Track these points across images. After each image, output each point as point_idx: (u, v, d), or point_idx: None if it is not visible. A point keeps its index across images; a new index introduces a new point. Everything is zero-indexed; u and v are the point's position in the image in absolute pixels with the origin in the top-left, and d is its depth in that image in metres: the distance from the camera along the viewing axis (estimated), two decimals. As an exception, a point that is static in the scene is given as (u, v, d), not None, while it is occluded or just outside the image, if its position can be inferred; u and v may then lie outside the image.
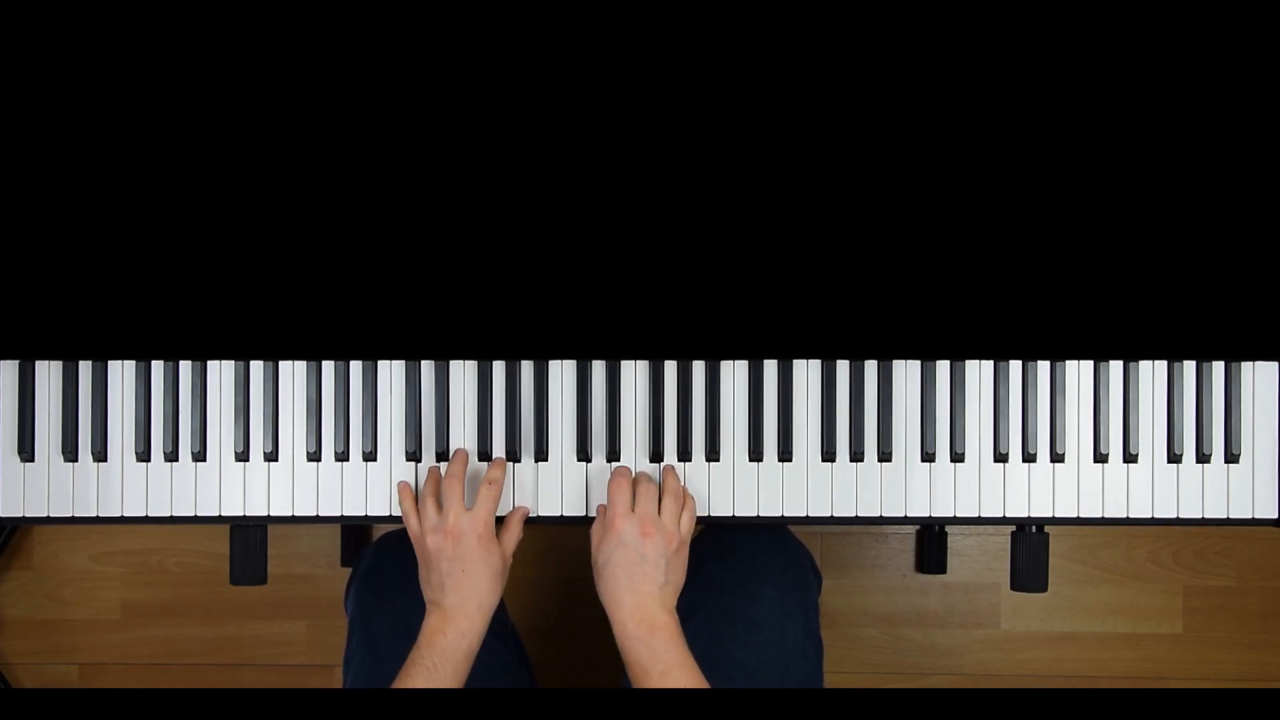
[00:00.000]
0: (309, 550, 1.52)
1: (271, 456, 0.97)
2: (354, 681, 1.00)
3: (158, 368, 0.97)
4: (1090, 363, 0.96)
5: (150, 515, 0.97)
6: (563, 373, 0.97)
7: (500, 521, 0.95)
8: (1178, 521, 0.96)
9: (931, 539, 1.48)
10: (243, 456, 0.97)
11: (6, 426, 0.97)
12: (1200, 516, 0.96)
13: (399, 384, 0.97)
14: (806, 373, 0.97)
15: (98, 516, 0.97)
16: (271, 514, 0.97)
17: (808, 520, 0.97)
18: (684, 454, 0.96)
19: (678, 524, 0.91)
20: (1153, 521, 0.96)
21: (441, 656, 0.87)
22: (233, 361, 0.97)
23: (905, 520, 0.97)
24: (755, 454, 0.96)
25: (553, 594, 1.46)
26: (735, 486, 0.96)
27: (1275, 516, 0.96)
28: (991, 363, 0.96)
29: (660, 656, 0.86)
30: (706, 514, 0.96)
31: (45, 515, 0.97)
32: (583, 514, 0.97)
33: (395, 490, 0.96)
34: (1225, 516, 0.96)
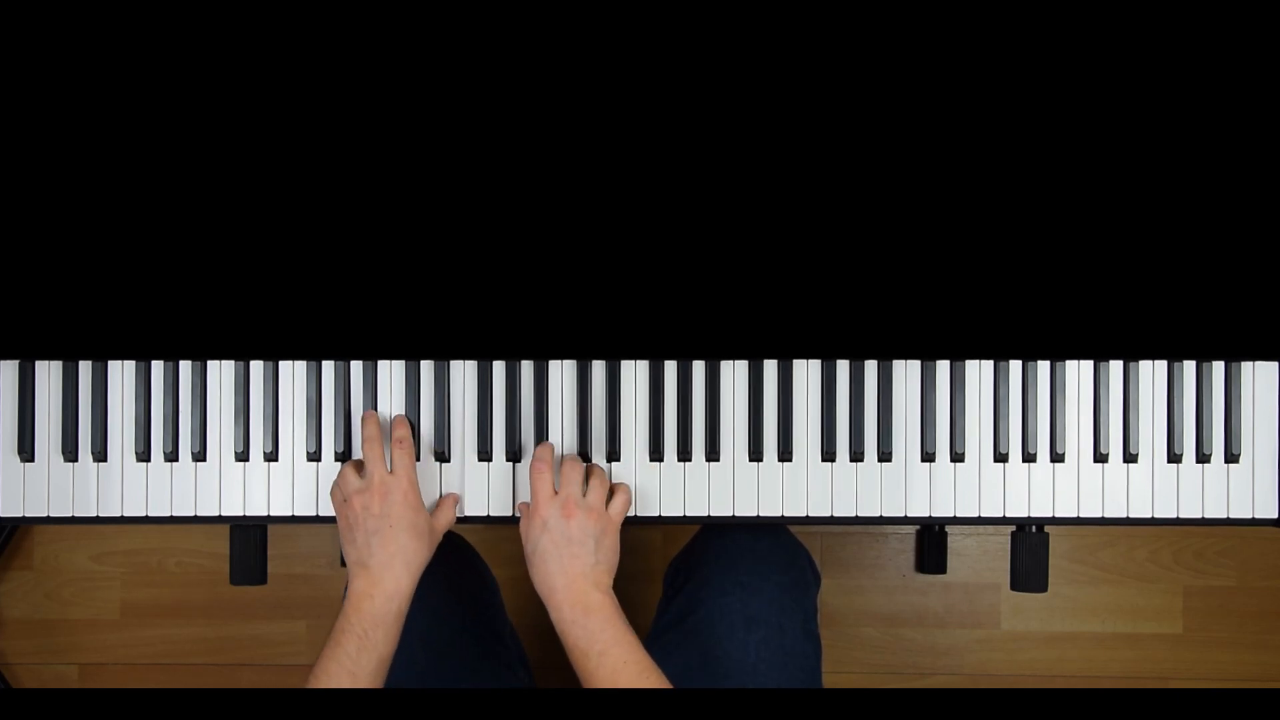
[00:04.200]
0: (309, 550, 1.52)
1: (271, 456, 0.97)
2: (354, 681, 0.99)
3: (158, 368, 0.97)
4: (1090, 363, 0.96)
5: (150, 515, 0.97)
6: (563, 373, 0.97)
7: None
8: (1178, 521, 0.96)
9: (931, 539, 1.48)
10: (243, 456, 0.97)
11: (6, 426, 0.97)
12: (1200, 516, 0.96)
13: (399, 384, 0.97)
14: (806, 373, 0.97)
15: (98, 516, 0.97)
16: (271, 514, 0.97)
17: (808, 520, 0.97)
18: (684, 454, 0.96)
19: (603, 504, 0.90)
20: (1153, 521, 0.96)
21: (373, 623, 0.85)
22: (233, 361, 0.97)
23: (905, 520, 0.97)
24: (755, 454, 0.96)
25: (553, 594, 1.46)
26: (735, 486, 0.96)
27: (1275, 516, 0.96)
28: (991, 363, 0.96)
29: (597, 637, 0.85)
30: (706, 514, 0.96)
31: (45, 515, 0.97)
32: (583, 514, 0.97)
33: None
34: (1225, 516, 0.96)
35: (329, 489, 0.96)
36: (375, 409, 0.96)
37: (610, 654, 0.85)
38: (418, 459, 0.96)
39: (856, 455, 0.96)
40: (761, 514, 0.96)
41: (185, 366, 0.97)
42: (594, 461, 0.96)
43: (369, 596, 0.86)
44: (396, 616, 0.87)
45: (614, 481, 0.96)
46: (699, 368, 0.97)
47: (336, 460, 0.97)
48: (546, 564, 0.88)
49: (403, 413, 0.96)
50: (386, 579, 0.87)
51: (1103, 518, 0.96)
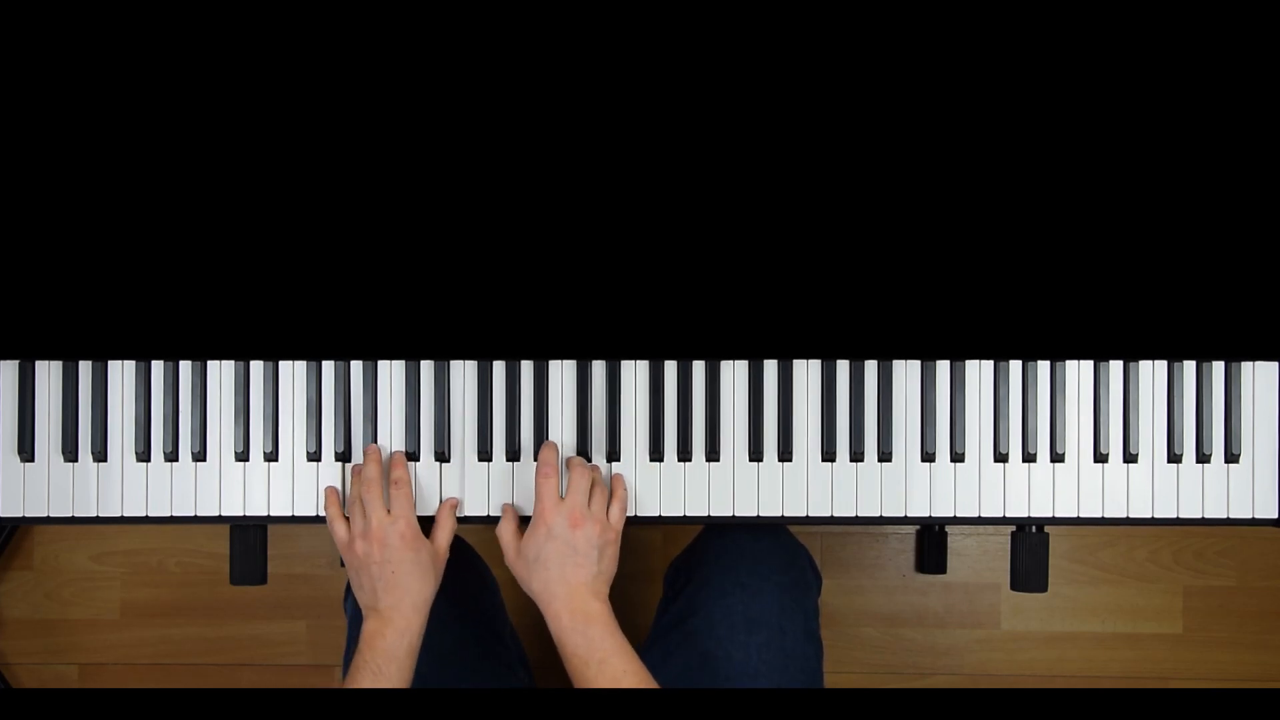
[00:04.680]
0: (309, 550, 1.52)
1: (271, 456, 0.97)
2: (354, 681, 1.00)
3: (158, 368, 0.97)
4: (1090, 363, 0.96)
5: (150, 515, 0.97)
6: (563, 373, 0.97)
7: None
8: (1178, 521, 0.96)
9: (931, 539, 1.48)
10: (243, 456, 0.97)
11: (6, 426, 0.97)
12: (1200, 516, 0.96)
13: (399, 384, 0.97)
14: (806, 373, 0.97)
15: (98, 516, 0.97)
16: (271, 514, 0.97)
17: (808, 520, 0.97)
18: (684, 454, 0.96)
19: (606, 513, 0.91)
20: (1153, 521, 0.96)
21: (385, 658, 0.87)
22: (233, 361, 0.97)
23: (905, 520, 0.97)
24: (755, 454, 0.96)
25: (553, 594, 1.46)
26: (735, 486, 0.96)
27: (1275, 516, 0.96)
28: (991, 363, 0.96)
29: (597, 645, 0.86)
30: (706, 514, 0.96)
31: (45, 515, 0.97)
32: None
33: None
34: (1225, 516, 0.96)
35: (326, 490, 0.96)
36: (375, 409, 0.96)
37: (610, 663, 0.85)
38: (417, 459, 0.96)
39: (856, 455, 0.96)
40: (761, 514, 0.96)
41: (185, 366, 0.97)
42: (594, 461, 0.96)
43: (381, 635, 0.88)
44: (409, 651, 0.88)
45: (614, 473, 0.96)
46: (699, 368, 0.97)
47: (337, 460, 0.97)
48: (548, 572, 0.88)
49: (403, 415, 0.96)
50: (396, 619, 0.88)
51: (1103, 518, 0.96)
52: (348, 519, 0.92)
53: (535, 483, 0.91)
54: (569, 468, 0.92)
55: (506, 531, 0.92)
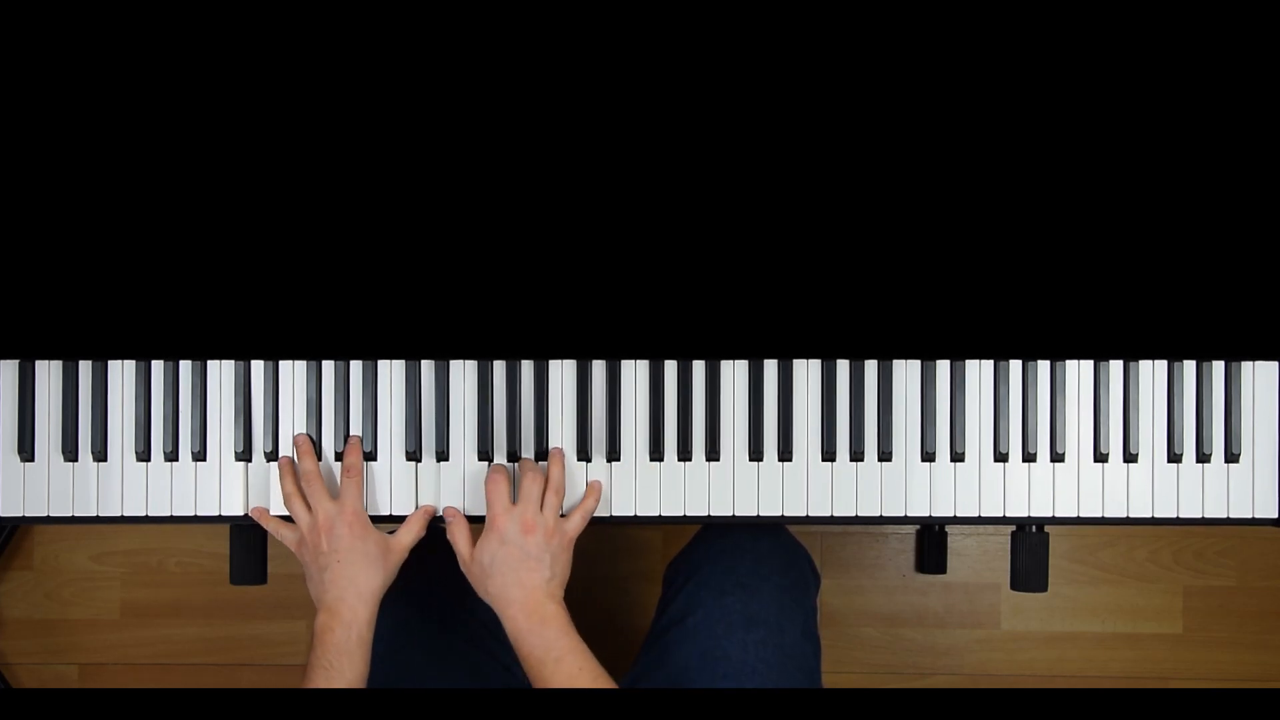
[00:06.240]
0: (309, 550, 1.52)
1: (271, 456, 0.97)
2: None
3: (158, 368, 0.97)
4: (1090, 362, 0.96)
5: (150, 515, 0.97)
6: (563, 373, 0.97)
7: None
8: (1178, 521, 0.96)
9: (931, 539, 1.48)
10: (243, 456, 0.97)
11: (6, 426, 0.97)
12: (1200, 516, 0.96)
13: (399, 384, 0.97)
14: (806, 373, 0.97)
15: (98, 516, 0.97)
16: (272, 514, 0.97)
17: (808, 520, 0.96)
18: (684, 454, 0.96)
19: (557, 518, 0.92)
20: (1153, 521, 0.96)
21: (336, 653, 0.87)
22: (233, 361, 0.97)
23: (905, 520, 0.97)
24: (755, 454, 0.96)
25: (553, 594, 1.46)
26: (735, 486, 0.96)
27: (1275, 516, 0.96)
28: (991, 363, 0.96)
29: (553, 645, 0.88)
30: (706, 514, 0.96)
31: (45, 515, 0.97)
32: (583, 514, 0.97)
33: (394, 491, 0.96)
34: (1225, 516, 0.96)
35: (256, 510, 0.97)
36: (375, 409, 0.96)
37: (566, 660, 0.87)
38: (419, 460, 0.96)
39: (856, 455, 0.96)
40: (761, 514, 0.96)
41: (185, 366, 0.97)
42: (594, 461, 0.96)
43: (329, 629, 0.88)
44: (358, 643, 0.89)
45: (591, 480, 0.96)
46: (699, 368, 0.97)
47: (337, 460, 0.97)
48: (504, 576, 0.90)
49: (403, 415, 0.96)
50: (342, 610, 0.89)
51: (1103, 518, 0.96)
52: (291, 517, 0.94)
53: (485, 489, 0.92)
54: (520, 472, 0.93)
55: (460, 538, 0.93)
